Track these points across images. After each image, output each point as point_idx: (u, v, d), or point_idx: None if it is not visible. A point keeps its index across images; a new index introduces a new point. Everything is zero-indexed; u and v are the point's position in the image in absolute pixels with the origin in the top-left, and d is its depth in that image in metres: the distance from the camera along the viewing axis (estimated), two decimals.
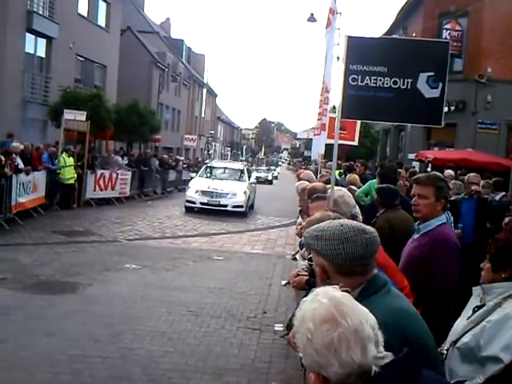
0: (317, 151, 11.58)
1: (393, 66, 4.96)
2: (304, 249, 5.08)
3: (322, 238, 2.35)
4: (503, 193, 9.81)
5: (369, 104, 5.06)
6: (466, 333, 3.07)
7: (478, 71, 21.80)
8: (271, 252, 14.49)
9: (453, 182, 9.90)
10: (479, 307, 3.16)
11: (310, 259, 2.54)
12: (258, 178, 42.41)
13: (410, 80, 4.92)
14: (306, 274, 4.39)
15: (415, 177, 4.68)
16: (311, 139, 31.13)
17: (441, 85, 4.94)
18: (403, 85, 4.92)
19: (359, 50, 5.02)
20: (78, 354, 6.40)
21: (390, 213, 5.86)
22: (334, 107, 12.33)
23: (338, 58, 6.86)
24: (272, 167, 77.43)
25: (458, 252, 4.14)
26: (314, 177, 9.83)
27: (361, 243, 2.32)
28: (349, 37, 5.06)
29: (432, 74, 4.92)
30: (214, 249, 14.31)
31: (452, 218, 7.62)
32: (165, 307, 8.52)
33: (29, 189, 15.75)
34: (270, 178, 56.42)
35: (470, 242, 7.99)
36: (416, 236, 4.33)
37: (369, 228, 2.43)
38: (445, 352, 3.14)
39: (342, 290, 1.79)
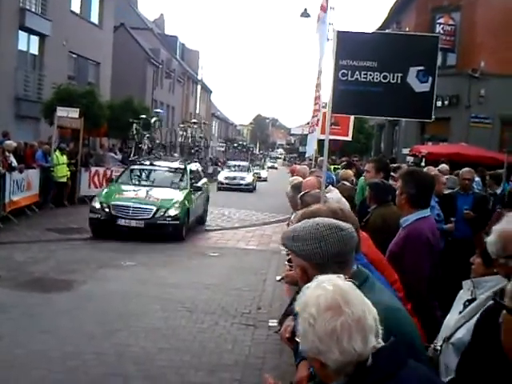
0: (311, 148, 11.59)
1: (382, 60, 4.95)
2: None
3: (298, 239, 2.34)
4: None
5: (359, 99, 5.05)
6: (459, 328, 3.05)
7: (471, 65, 21.84)
8: (266, 248, 14.49)
9: (447, 176, 9.90)
10: (470, 301, 3.15)
11: (289, 260, 2.52)
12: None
13: (399, 74, 4.91)
14: None
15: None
16: (306, 135, 31.04)
17: (431, 79, 4.94)
18: (393, 79, 4.92)
19: (349, 45, 5.01)
20: (72, 351, 6.41)
21: (384, 209, 5.86)
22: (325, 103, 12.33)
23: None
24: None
25: (428, 247, 4.14)
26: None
27: (337, 240, 2.31)
28: (338, 31, 5.05)
29: (422, 68, 4.92)
30: (208, 245, 14.34)
31: (441, 212, 7.58)
32: (160, 304, 8.54)
33: (23, 187, 15.71)
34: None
35: (467, 237, 7.99)
36: (400, 230, 4.37)
37: (345, 225, 2.42)
38: (439, 348, 3.14)
39: (347, 280, 1.81)
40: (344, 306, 1.67)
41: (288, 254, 8.17)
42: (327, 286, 1.73)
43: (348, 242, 2.34)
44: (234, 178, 36.28)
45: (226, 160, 54.51)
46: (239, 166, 41.12)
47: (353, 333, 1.65)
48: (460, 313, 3.17)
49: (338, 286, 1.73)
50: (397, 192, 4.48)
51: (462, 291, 3.29)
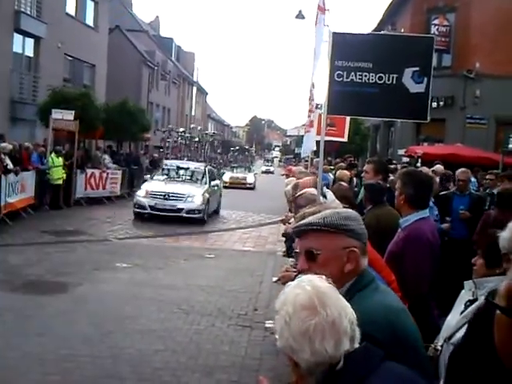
0: (307, 148, 11.59)
1: (378, 61, 4.97)
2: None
3: (353, 219, 2.36)
4: None
5: (354, 100, 5.07)
6: (460, 328, 3.05)
7: (466, 66, 21.92)
8: (262, 249, 14.51)
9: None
10: (471, 301, 3.14)
11: (310, 251, 2.48)
12: None
13: (395, 75, 4.94)
14: (295, 270, 4.40)
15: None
16: (302, 136, 31.08)
17: (426, 80, 4.96)
18: (388, 80, 4.94)
19: (344, 46, 5.03)
20: (68, 353, 6.39)
21: (378, 209, 5.87)
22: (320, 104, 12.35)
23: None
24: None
25: (429, 248, 4.14)
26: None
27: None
28: (334, 33, 5.08)
29: (417, 69, 4.94)
30: (205, 247, 14.33)
31: (436, 212, 7.58)
32: (155, 305, 8.52)
33: (17, 189, 15.67)
34: None
35: (464, 238, 8.01)
36: (398, 231, 4.38)
37: None
38: (439, 348, 3.13)
39: (328, 282, 1.81)
40: (320, 307, 1.68)
41: (285, 255, 8.11)
42: (306, 285, 1.75)
43: None
44: (166, 197, 18.31)
45: (156, 158, 34.27)
46: (186, 170, 21.15)
47: (326, 335, 1.66)
48: (461, 313, 3.16)
49: (317, 287, 1.74)
50: (396, 193, 4.49)
51: (463, 291, 3.28)
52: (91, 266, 11.00)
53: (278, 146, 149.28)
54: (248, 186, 37.64)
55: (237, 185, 36.17)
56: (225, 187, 31.00)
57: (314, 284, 1.76)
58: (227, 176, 38.49)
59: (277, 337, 1.75)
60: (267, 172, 71.98)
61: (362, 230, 2.37)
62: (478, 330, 2.35)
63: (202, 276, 10.74)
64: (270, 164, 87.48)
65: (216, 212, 21.34)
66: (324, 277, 1.85)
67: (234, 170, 43.70)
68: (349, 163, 14.33)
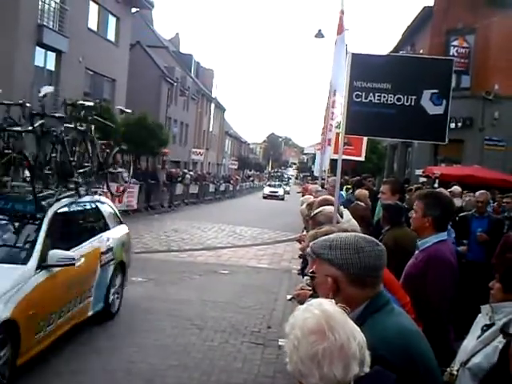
0: (320, 166, 11.61)
1: (397, 82, 5.00)
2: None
3: (336, 247, 2.32)
4: None
5: (372, 120, 5.09)
6: (476, 353, 3.01)
7: (485, 88, 21.84)
8: (277, 266, 14.49)
9: (467, 199, 9.88)
10: (488, 326, 3.10)
11: (312, 272, 2.51)
12: None
13: (413, 97, 4.96)
14: (310, 288, 4.39)
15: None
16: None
17: (445, 102, 4.97)
18: (407, 102, 4.96)
19: (363, 67, 5.07)
20: (80, 366, 6.40)
21: (396, 230, 5.84)
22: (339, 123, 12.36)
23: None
24: None
25: (452, 270, 4.09)
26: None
27: (374, 254, 2.31)
28: (353, 54, 5.12)
29: (436, 91, 4.96)
30: (220, 263, 14.33)
31: (453, 234, 7.51)
32: (169, 320, 8.53)
33: None
34: None
35: (481, 261, 7.93)
36: (416, 252, 4.33)
37: (378, 241, 2.44)
38: (455, 373, 3.10)
39: (339, 306, 1.81)
40: (328, 331, 1.68)
41: (299, 274, 8.09)
42: (315, 309, 1.75)
43: (383, 258, 2.36)
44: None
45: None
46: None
47: (334, 359, 1.66)
48: (478, 338, 3.12)
49: (326, 311, 1.74)
50: (414, 214, 4.40)
51: (480, 315, 3.24)
52: None
53: (295, 164, 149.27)
54: None
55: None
56: None
57: (323, 308, 1.76)
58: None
59: (287, 360, 1.76)
60: (272, 196, 51.20)
61: (347, 261, 2.28)
62: (507, 359, 2.33)
63: (216, 292, 10.74)
64: (278, 184, 64.15)
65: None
66: (333, 301, 1.86)
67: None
68: (356, 181, 14.07)
